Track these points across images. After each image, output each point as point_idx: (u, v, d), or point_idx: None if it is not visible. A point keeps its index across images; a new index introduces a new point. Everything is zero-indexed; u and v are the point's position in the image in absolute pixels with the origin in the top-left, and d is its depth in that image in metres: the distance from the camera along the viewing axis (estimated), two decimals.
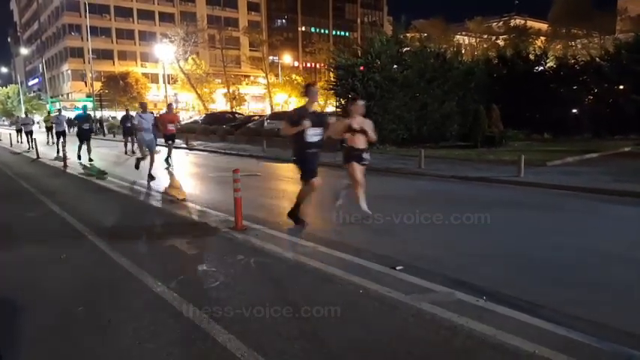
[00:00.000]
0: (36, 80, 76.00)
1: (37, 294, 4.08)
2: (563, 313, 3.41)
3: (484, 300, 3.61)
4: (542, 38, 61.11)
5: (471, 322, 3.25)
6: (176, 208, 7.55)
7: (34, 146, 18.93)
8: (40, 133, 26.16)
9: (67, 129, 18.67)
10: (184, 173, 13.00)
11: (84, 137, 15.52)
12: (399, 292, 3.81)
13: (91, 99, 45.66)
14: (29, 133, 21.28)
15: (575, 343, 2.98)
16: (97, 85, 53.39)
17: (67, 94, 65.41)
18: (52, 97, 64.20)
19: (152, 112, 12.20)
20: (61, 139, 16.86)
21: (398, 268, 4.39)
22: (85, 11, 49.84)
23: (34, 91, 71.70)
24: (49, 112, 29.62)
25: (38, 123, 38.50)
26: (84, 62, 61.45)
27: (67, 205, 7.89)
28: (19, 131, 25.75)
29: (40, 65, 67.72)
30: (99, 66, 59.39)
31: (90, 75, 51.31)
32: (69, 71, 65.35)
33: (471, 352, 2.93)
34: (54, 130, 20.25)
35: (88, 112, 17.34)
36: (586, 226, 6.28)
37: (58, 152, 15.98)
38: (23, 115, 24.20)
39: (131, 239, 5.71)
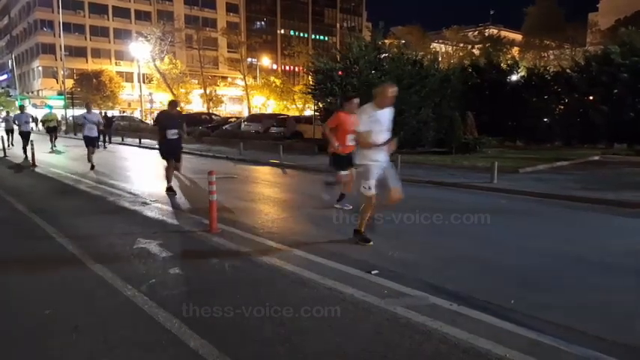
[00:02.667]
0: (5, 76, 73.66)
1: (2, 297, 3.93)
2: (533, 317, 3.46)
3: (457, 305, 3.65)
4: (516, 48, 62.63)
5: (445, 326, 3.28)
6: (149, 210, 7.41)
7: (24, 152, 15.07)
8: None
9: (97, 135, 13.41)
10: (158, 175, 12.79)
11: (171, 152, 9.06)
12: (375, 296, 3.82)
13: (63, 97, 44.56)
14: (26, 135, 15.67)
15: (544, 346, 3.03)
16: (69, 83, 52.14)
17: (38, 91, 63.58)
18: (21, 94, 62.38)
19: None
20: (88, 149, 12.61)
21: (373, 272, 4.39)
22: (59, 7, 48.64)
23: (2, 87, 69.45)
24: (50, 108, 23.95)
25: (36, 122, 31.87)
26: (56, 59, 59.80)
27: (35, 206, 7.66)
28: (8, 132, 20.22)
29: (10, 61, 65.80)
30: (71, 63, 57.96)
31: (62, 72, 50.07)
32: (40, 68, 63.57)
33: (444, 357, 2.95)
34: (83, 135, 13.28)
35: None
36: (556, 231, 6.43)
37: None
38: (17, 112, 18.05)
39: (101, 241, 5.57)
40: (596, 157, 14.84)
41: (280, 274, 4.41)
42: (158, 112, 11.50)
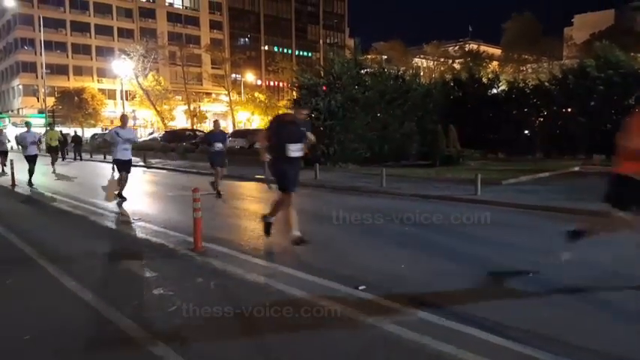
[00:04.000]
0: None
1: None
2: (520, 330, 3.45)
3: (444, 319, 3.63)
4: (496, 62, 63.95)
5: (434, 341, 3.25)
6: (131, 229, 7.29)
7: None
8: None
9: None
10: (141, 192, 12.63)
11: (295, 179, 6.26)
12: (362, 312, 3.78)
13: (43, 115, 44.05)
14: (32, 159, 13.12)
15: (531, 359, 3.03)
16: (50, 101, 51.57)
17: (18, 109, 62.71)
18: (0, 113, 61.47)
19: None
20: (120, 175, 9.99)
21: (361, 287, 4.36)
22: (40, 25, 48.35)
23: None
24: (50, 124, 20.91)
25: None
26: (37, 77, 59.22)
27: (16, 227, 7.48)
28: (1, 154, 16.80)
29: None
30: (53, 81, 57.37)
31: (43, 90, 49.53)
32: (20, 86, 62.77)
33: None
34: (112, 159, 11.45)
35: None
36: (539, 243, 6.47)
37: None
38: (22, 129, 14.94)
39: (83, 262, 5.45)
40: (576, 168, 15.09)
41: (266, 292, 4.35)
42: (273, 118, 7.39)
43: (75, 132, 31.63)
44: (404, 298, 4.11)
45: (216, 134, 11.30)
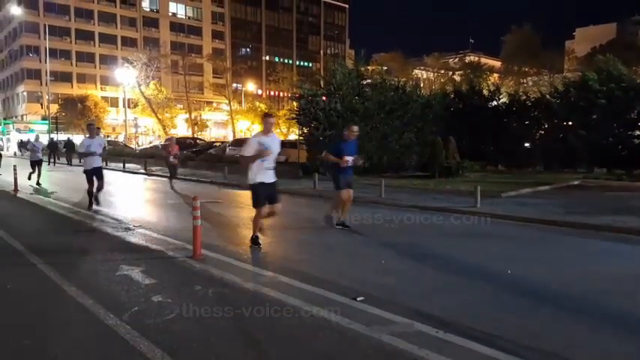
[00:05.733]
0: None
1: None
2: (517, 344, 3.46)
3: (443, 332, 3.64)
4: (496, 75, 64.23)
5: (431, 354, 3.25)
6: (131, 235, 7.30)
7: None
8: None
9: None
10: (141, 200, 12.66)
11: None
12: (360, 323, 3.78)
13: (47, 122, 44.26)
14: (98, 174, 9.83)
15: None
16: (54, 108, 51.81)
17: (22, 115, 62.98)
18: (5, 119, 61.76)
19: None
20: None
21: (359, 299, 4.36)
22: (45, 33, 48.75)
23: None
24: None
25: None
26: (41, 84, 59.54)
27: (16, 231, 7.49)
28: (34, 165, 14.76)
29: None
30: (56, 88, 57.67)
31: (46, 97, 49.78)
32: (24, 93, 63.10)
33: None
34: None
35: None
36: (539, 256, 6.48)
37: None
38: (84, 136, 11.74)
39: (83, 268, 5.46)
40: (577, 182, 15.10)
41: (265, 301, 4.36)
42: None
43: (51, 138, 33.94)
44: (400, 309, 4.11)
45: (351, 143, 7.90)
